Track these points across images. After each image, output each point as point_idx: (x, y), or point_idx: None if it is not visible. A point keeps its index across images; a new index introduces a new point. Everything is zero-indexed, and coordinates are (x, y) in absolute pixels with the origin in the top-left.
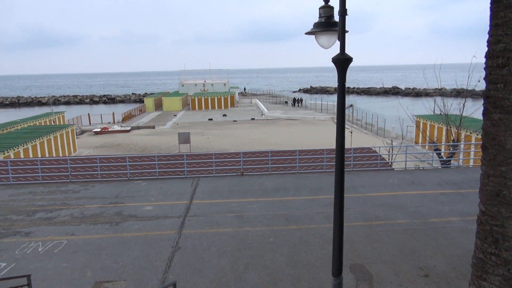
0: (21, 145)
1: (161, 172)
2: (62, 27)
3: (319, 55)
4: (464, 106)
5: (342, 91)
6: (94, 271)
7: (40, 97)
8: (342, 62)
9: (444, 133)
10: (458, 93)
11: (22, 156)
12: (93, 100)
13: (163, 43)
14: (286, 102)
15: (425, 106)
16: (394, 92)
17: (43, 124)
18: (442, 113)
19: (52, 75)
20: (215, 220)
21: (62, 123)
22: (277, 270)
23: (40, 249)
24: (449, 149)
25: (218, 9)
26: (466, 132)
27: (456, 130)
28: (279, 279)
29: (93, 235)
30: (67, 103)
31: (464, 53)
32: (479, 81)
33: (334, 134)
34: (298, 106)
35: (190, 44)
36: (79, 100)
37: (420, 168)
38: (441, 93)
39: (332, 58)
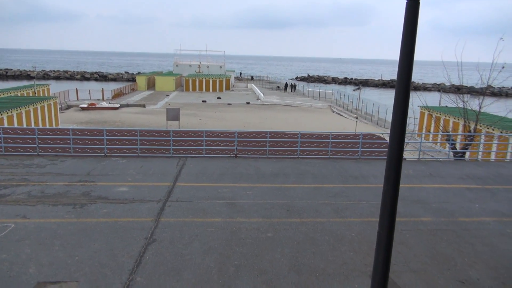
0: None
1: (143, 149)
2: (58, 3)
3: (318, 46)
4: (482, 101)
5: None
6: (40, 267)
7: (29, 71)
8: None
9: (460, 127)
10: (458, 89)
11: None
12: (84, 77)
13: (160, 25)
14: (278, 87)
15: (422, 99)
16: (392, 85)
17: (25, 95)
18: (458, 107)
19: (45, 50)
20: (202, 207)
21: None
22: (277, 276)
23: None
24: (466, 140)
25: None
26: (487, 128)
27: (471, 125)
28: None
29: (50, 218)
30: (57, 78)
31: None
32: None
33: (332, 122)
34: (292, 91)
35: (187, 28)
36: (69, 76)
37: (437, 160)
38: (439, 88)
39: None
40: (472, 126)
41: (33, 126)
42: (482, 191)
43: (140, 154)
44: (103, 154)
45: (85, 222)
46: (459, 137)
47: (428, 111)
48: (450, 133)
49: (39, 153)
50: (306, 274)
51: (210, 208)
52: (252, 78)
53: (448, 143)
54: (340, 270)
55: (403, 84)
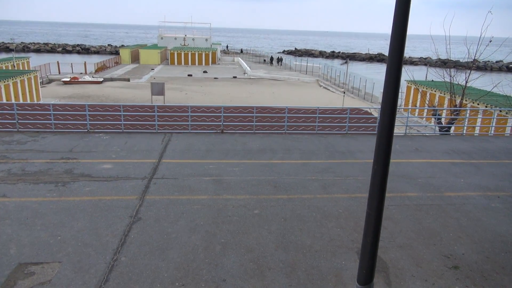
0: None
1: (127, 125)
2: None
3: (305, 19)
4: (468, 75)
5: None
6: (21, 247)
7: (8, 43)
8: None
9: (446, 101)
10: (444, 63)
11: None
12: (65, 49)
13: None
14: (265, 61)
15: (410, 74)
16: (379, 59)
17: (4, 69)
18: (444, 81)
19: (22, 22)
20: (187, 184)
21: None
22: (265, 253)
23: None
24: (451, 115)
25: None
26: (473, 103)
27: (457, 99)
28: (267, 267)
29: (31, 197)
30: (37, 50)
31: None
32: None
33: (320, 96)
34: (278, 65)
35: None
36: (50, 49)
37: (423, 134)
38: (426, 62)
39: None
40: (458, 101)
41: (13, 101)
42: (467, 165)
43: (124, 130)
44: (86, 130)
45: (67, 201)
46: (444, 111)
47: (415, 86)
48: (436, 107)
49: (19, 129)
50: (293, 251)
51: (196, 185)
52: (241, 51)
53: (434, 118)
54: (327, 246)
55: (395, 61)
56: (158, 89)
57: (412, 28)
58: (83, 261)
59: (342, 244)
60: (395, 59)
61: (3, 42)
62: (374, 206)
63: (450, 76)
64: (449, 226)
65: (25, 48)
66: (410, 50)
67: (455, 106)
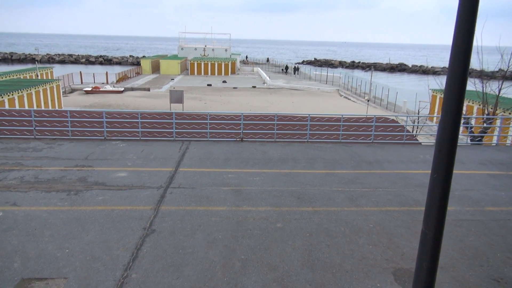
0: None
1: (144, 132)
2: None
3: (325, 30)
4: (501, 84)
5: None
6: (26, 260)
7: (34, 54)
8: None
9: (474, 110)
10: (469, 73)
11: None
12: (88, 60)
13: (165, 8)
14: (282, 70)
15: (439, 82)
16: (400, 68)
17: (28, 78)
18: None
19: (48, 34)
20: (205, 195)
21: None
22: (289, 272)
23: None
24: (483, 125)
25: None
26: (504, 112)
27: (488, 108)
28: None
29: (41, 206)
30: (62, 62)
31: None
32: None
33: (341, 106)
34: (294, 74)
35: (193, 11)
36: (74, 60)
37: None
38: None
39: None
40: (488, 110)
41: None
42: (507, 177)
43: (141, 138)
44: (103, 138)
45: (78, 210)
46: (474, 120)
47: (441, 94)
48: (468, 115)
49: (36, 136)
50: (321, 271)
51: (214, 196)
52: (268, 60)
53: (466, 127)
54: (358, 266)
55: (459, 70)
56: (176, 96)
57: (430, 38)
58: (91, 277)
59: (375, 263)
60: (459, 67)
61: (30, 54)
62: (432, 224)
63: (483, 84)
64: (495, 245)
65: (50, 60)
66: (430, 60)
67: (487, 113)
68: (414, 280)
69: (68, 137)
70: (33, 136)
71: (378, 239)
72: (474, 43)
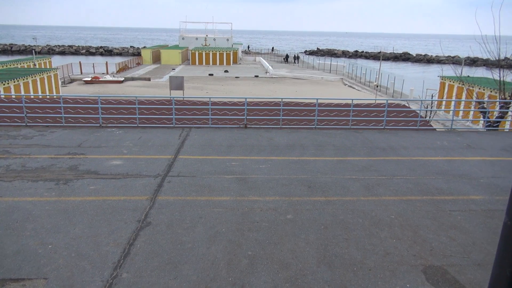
0: None
1: (142, 119)
2: None
3: (327, 20)
4: None
5: None
6: (2, 258)
7: (34, 46)
8: None
9: (485, 97)
10: (473, 62)
11: None
12: (89, 51)
13: None
14: (284, 59)
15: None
16: (404, 58)
17: (25, 67)
18: (494, 78)
19: (48, 26)
20: (207, 183)
21: None
22: (304, 271)
23: None
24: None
25: None
26: None
27: (508, 96)
28: None
29: (26, 197)
30: (62, 53)
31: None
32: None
33: (345, 95)
34: (295, 63)
35: (193, 1)
36: (74, 51)
37: (472, 130)
38: (454, 60)
39: None
40: (506, 96)
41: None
42: None
43: (139, 125)
44: (98, 125)
45: (66, 201)
46: (489, 105)
47: (450, 82)
48: (484, 100)
49: (28, 124)
50: (341, 269)
51: (217, 185)
52: (273, 50)
53: (484, 112)
54: (383, 263)
55: None
56: (176, 83)
57: (433, 28)
58: (74, 277)
59: (401, 260)
60: None
61: (29, 45)
62: None
63: (501, 69)
64: None
65: (50, 51)
66: (435, 48)
67: (504, 98)
68: (491, 280)
69: (62, 124)
70: (24, 124)
71: (401, 232)
72: (492, 33)
